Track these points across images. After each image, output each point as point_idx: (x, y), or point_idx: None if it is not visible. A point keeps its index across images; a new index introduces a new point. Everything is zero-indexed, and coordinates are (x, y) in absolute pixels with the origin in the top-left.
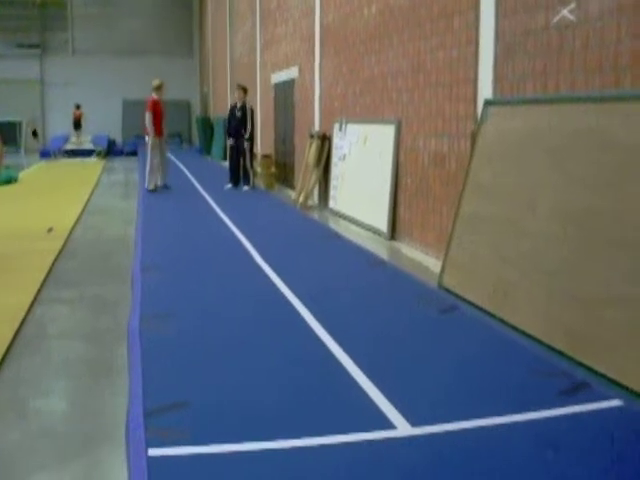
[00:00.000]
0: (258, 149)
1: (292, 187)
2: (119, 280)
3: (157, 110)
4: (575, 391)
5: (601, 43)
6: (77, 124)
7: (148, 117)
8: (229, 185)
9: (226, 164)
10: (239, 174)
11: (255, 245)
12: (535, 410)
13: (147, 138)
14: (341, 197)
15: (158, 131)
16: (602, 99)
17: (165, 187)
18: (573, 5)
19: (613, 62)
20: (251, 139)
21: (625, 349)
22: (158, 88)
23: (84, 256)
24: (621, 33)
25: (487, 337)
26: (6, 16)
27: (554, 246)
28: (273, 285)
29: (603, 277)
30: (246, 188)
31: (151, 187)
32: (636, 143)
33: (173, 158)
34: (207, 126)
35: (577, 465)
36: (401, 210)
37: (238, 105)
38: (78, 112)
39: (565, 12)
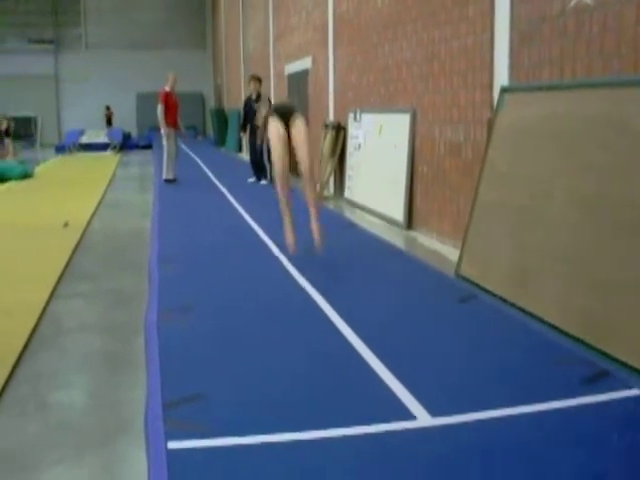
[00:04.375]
0: None
1: None
2: (136, 273)
3: (169, 102)
4: (596, 379)
5: (619, 27)
6: (109, 121)
7: (160, 109)
8: (252, 179)
9: (241, 156)
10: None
11: (272, 237)
12: (556, 399)
13: (162, 130)
14: (357, 187)
15: (169, 122)
16: (620, 84)
17: (174, 180)
18: None
19: (632, 46)
20: None
21: None
22: (170, 81)
23: (101, 250)
24: None
25: (506, 326)
26: (19, 11)
27: (572, 233)
28: (290, 276)
29: (622, 263)
30: (264, 182)
31: (169, 177)
32: None
33: (187, 150)
34: (221, 118)
35: (600, 455)
36: (417, 199)
37: (254, 96)
38: (109, 112)
39: None
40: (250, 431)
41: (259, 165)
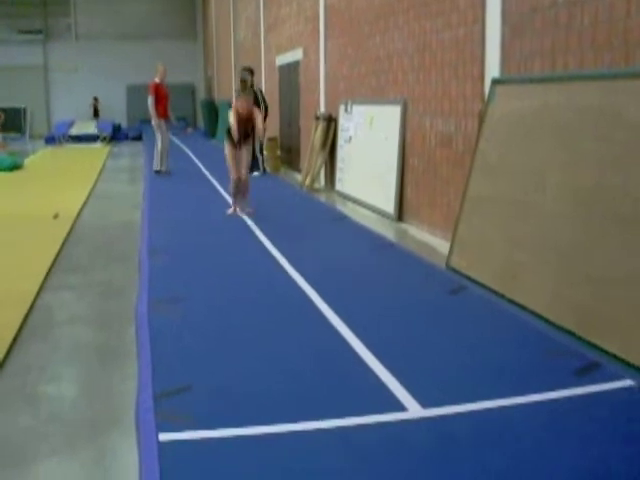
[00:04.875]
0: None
1: (298, 170)
2: (126, 265)
3: (159, 93)
4: (586, 371)
5: (610, 19)
6: (95, 112)
7: (150, 101)
8: (255, 173)
9: None
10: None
11: (262, 228)
12: (547, 390)
13: (153, 122)
14: (348, 179)
15: (160, 114)
16: (611, 76)
17: (167, 172)
18: None
19: (623, 38)
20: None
21: (636, 328)
22: (160, 72)
23: (91, 241)
24: (631, 8)
25: (497, 317)
26: (8, 1)
27: (563, 225)
28: (281, 268)
29: (613, 255)
30: (256, 174)
31: (161, 168)
32: None
33: (178, 142)
34: (212, 109)
35: (591, 446)
36: (408, 191)
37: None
38: (96, 103)
39: None
40: (241, 422)
41: (251, 156)
